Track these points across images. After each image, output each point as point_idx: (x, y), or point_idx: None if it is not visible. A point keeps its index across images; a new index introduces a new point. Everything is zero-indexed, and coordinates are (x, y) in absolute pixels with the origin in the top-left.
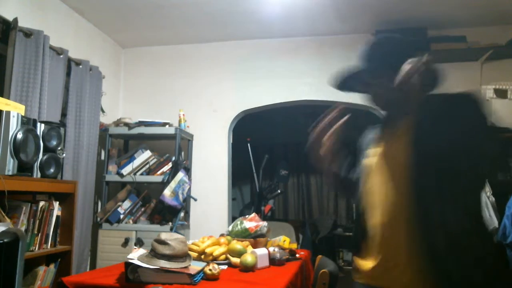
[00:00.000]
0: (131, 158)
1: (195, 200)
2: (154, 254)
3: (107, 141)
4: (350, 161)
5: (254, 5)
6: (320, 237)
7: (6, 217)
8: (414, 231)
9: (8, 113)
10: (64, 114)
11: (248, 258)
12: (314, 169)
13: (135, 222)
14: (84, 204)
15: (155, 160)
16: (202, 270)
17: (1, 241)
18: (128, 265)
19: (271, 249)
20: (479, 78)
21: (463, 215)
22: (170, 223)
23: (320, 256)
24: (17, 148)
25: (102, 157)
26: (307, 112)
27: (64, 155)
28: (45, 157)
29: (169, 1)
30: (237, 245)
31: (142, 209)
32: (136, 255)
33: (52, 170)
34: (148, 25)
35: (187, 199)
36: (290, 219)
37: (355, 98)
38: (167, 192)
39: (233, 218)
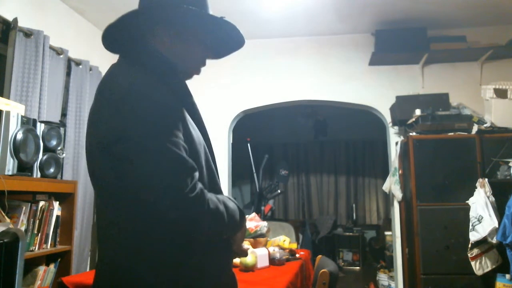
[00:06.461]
0: None
1: None
2: None
3: None
4: None
5: (254, 5)
6: (320, 237)
7: (6, 217)
8: None
9: (8, 113)
10: (64, 114)
11: (248, 258)
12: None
13: None
14: (84, 204)
15: None
16: None
17: (1, 241)
18: None
19: (271, 249)
20: (479, 78)
21: None
22: None
23: (320, 256)
24: (17, 148)
25: None
26: (307, 112)
27: (64, 155)
28: (45, 157)
29: None
30: None
31: None
32: None
33: (52, 170)
34: None
35: None
36: (290, 219)
37: (355, 98)
38: None
39: None
